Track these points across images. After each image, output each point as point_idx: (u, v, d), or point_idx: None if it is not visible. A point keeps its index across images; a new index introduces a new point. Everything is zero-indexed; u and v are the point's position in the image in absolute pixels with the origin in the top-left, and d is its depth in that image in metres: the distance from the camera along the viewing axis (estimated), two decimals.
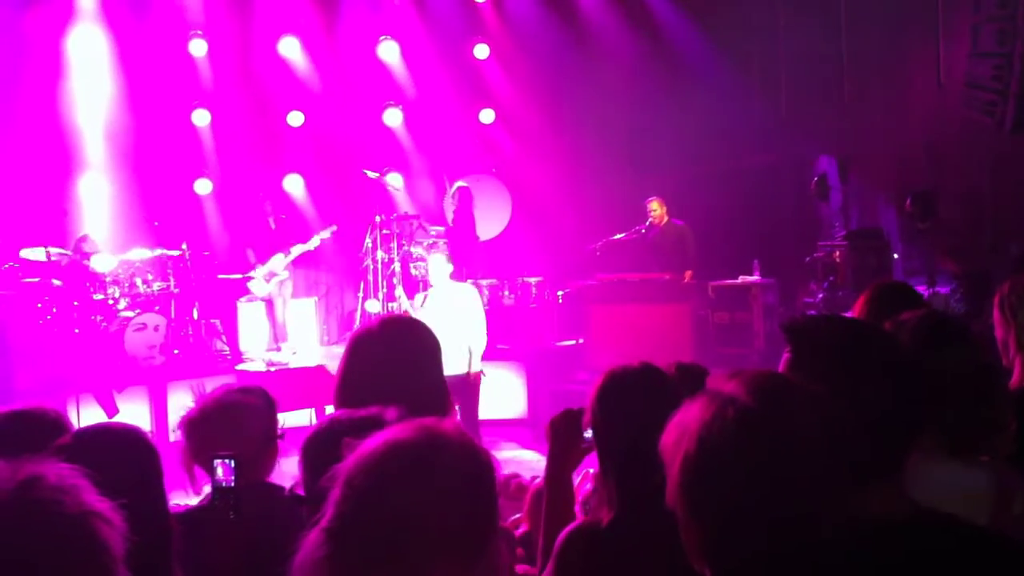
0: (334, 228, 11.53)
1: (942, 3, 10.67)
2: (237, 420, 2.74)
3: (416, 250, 11.59)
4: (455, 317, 8.02)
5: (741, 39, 12.15)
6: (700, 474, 1.39)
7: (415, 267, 11.38)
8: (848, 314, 3.44)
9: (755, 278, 10.83)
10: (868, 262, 9.89)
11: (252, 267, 11.52)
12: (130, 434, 2.14)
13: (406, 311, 9.74)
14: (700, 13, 12.55)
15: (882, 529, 1.56)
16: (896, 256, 10.35)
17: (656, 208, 11.07)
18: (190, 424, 2.76)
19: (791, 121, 12.07)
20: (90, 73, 12.09)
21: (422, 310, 9.02)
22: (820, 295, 10.16)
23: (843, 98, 11.70)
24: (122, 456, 2.00)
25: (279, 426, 2.92)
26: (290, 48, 13.28)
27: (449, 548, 1.50)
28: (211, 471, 2.25)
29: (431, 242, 11.75)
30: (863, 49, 11.42)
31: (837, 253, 10.16)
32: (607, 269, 10.97)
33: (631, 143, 12.78)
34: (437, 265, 8.85)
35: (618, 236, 11.08)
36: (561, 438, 2.68)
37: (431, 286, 9.65)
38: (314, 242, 11.43)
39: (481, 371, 8.19)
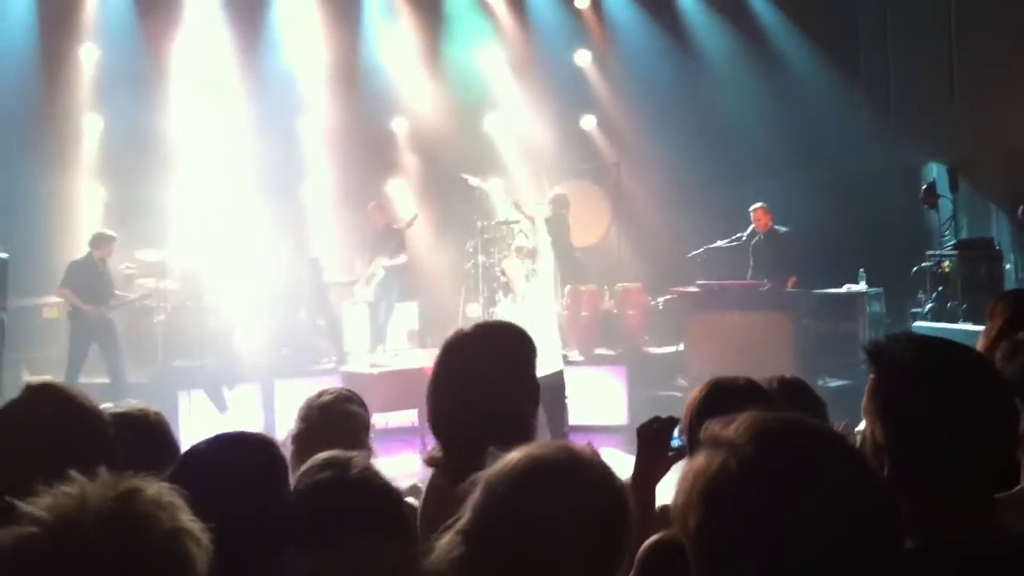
0: (415, 215, 11.88)
1: None
2: (343, 429, 2.85)
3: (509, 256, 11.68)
4: (532, 321, 8.06)
5: (848, 44, 11.95)
6: (711, 533, 1.31)
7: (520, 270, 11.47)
8: (984, 326, 3.37)
9: (861, 287, 10.63)
10: (978, 272, 9.61)
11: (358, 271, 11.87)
12: (262, 446, 2.21)
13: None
14: (805, 17, 12.37)
15: (970, 559, 1.55)
16: (1008, 266, 10.04)
17: (760, 214, 10.95)
18: (299, 438, 2.86)
19: (899, 127, 11.80)
20: (209, 80, 12.51)
21: (498, 314, 9.19)
22: (929, 306, 9.92)
23: (953, 104, 11.40)
24: (252, 466, 2.08)
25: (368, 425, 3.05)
26: (393, 55, 13.53)
27: (580, 564, 1.56)
28: None
29: (522, 247, 11.80)
30: (973, 54, 11.10)
31: (946, 263, 9.90)
32: (707, 276, 10.89)
33: (734, 149, 12.63)
34: (515, 271, 9.02)
35: (719, 243, 10.99)
36: (649, 446, 2.67)
37: (511, 291, 9.88)
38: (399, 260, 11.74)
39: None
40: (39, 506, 1.30)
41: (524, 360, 2.60)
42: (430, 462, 2.53)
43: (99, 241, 10.24)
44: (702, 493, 1.32)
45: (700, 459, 1.35)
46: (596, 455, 1.66)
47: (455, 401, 2.46)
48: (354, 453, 2.15)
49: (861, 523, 1.27)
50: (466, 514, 1.61)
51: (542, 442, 1.65)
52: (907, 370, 1.68)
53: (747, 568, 1.28)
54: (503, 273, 10.94)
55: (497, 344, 2.59)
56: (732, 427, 1.35)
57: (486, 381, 2.47)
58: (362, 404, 3.06)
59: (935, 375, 1.67)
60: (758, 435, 1.32)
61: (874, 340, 1.80)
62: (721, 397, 2.50)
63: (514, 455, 1.62)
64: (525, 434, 2.42)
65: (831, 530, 1.26)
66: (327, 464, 2.08)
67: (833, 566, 1.25)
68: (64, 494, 1.32)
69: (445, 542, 1.61)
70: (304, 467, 2.14)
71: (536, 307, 8.38)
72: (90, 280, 10.09)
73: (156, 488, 1.38)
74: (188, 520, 1.38)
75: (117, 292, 10.47)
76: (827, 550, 1.25)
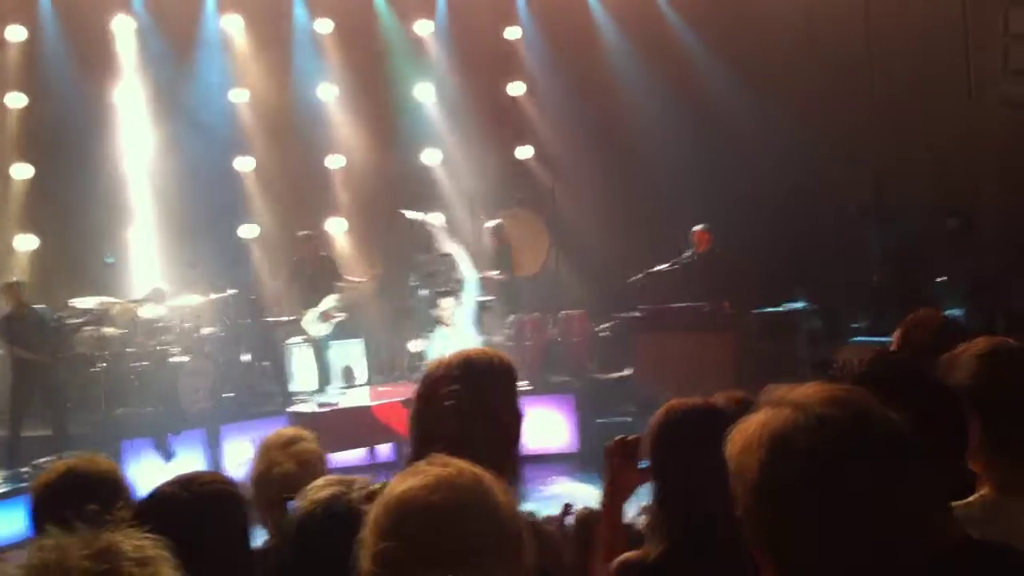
0: (378, 271, 11.78)
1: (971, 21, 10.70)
2: (302, 467, 2.83)
3: (460, 288, 11.70)
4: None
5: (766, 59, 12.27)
6: (776, 480, 1.38)
7: (457, 303, 11.47)
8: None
9: (798, 304, 10.80)
10: (910, 283, 9.82)
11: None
12: (221, 485, 2.17)
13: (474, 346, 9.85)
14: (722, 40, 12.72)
15: (936, 558, 1.59)
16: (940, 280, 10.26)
17: (701, 236, 11.08)
18: (258, 480, 2.83)
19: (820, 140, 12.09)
20: (134, 124, 12.45)
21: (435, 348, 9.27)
22: (866, 321, 10.09)
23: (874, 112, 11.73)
24: (216, 508, 2.06)
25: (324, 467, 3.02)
26: (327, 93, 13.56)
27: None
28: (284, 514, 2.31)
29: (468, 280, 11.87)
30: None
31: (875, 276, 10.09)
32: (649, 300, 10.97)
33: (666, 173, 12.80)
34: (448, 307, 9.23)
35: (660, 267, 11.09)
36: (616, 466, 2.69)
37: (444, 325, 10.04)
38: (358, 284, 11.69)
39: None
40: (16, 563, 1.25)
41: (507, 387, 2.58)
42: None
43: (7, 289, 10.02)
44: (768, 443, 1.39)
45: (765, 413, 1.43)
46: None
47: (438, 430, 2.42)
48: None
49: (911, 484, 1.37)
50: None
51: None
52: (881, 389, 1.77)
53: (805, 515, 1.36)
54: (439, 308, 10.98)
55: (478, 371, 2.54)
56: (799, 391, 1.44)
57: (472, 410, 2.44)
58: (316, 440, 3.04)
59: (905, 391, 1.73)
60: (828, 399, 1.41)
61: (840, 364, 1.89)
62: (681, 419, 2.53)
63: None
64: (513, 461, 2.42)
65: (882, 490, 1.35)
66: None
67: (883, 522, 1.34)
68: (41, 550, 1.27)
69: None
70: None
71: (464, 338, 8.49)
72: (22, 329, 9.86)
73: (135, 543, 1.33)
74: (169, 573, 1.34)
75: (57, 324, 10.25)
76: (879, 507, 1.34)
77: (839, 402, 1.41)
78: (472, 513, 1.55)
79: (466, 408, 2.43)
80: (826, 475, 1.35)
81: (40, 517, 2.43)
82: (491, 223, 12.68)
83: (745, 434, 1.43)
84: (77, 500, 2.10)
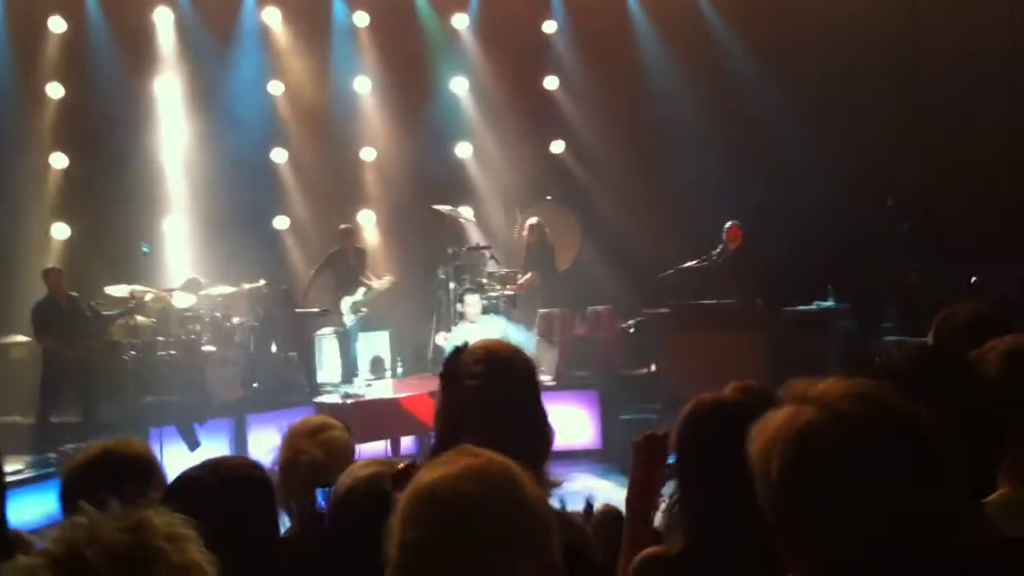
0: (395, 279, 11.92)
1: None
2: (330, 455, 2.83)
3: (488, 281, 11.71)
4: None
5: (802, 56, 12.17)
6: (799, 478, 1.38)
7: (487, 298, 11.48)
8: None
9: (830, 303, 10.72)
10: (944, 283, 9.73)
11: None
12: (251, 469, 2.18)
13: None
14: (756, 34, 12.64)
15: (965, 556, 1.57)
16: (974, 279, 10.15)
17: (734, 232, 11.03)
18: (286, 466, 2.84)
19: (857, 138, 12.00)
20: (172, 115, 12.58)
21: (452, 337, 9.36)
22: (898, 320, 10.01)
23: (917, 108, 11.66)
24: (243, 492, 2.07)
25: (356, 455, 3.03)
26: (363, 86, 13.62)
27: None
28: (311, 501, 2.32)
29: (502, 273, 11.89)
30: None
31: (912, 276, 10.01)
32: (679, 296, 10.92)
33: (700, 169, 12.74)
34: (473, 303, 9.22)
35: (690, 263, 11.04)
36: (643, 461, 2.67)
37: (468, 321, 10.08)
38: (385, 282, 11.75)
39: None
40: (50, 538, 1.28)
41: (529, 382, 2.58)
42: None
43: (46, 275, 10.14)
44: (792, 440, 1.39)
45: (787, 410, 1.43)
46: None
47: (463, 424, 2.42)
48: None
49: (933, 480, 1.36)
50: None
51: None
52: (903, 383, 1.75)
53: (828, 512, 1.36)
54: (464, 304, 11.00)
55: (502, 366, 2.54)
56: (821, 386, 1.44)
57: (493, 404, 2.44)
58: (347, 428, 3.05)
59: (929, 384, 1.74)
60: (851, 395, 1.41)
61: (864, 354, 1.88)
62: (708, 414, 2.51)
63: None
64: (544, 452, 2.42)
65: (906, 486, 1.35)
66: None
67: (904, 519, 1.34)
68: (73, 525, 1.29)
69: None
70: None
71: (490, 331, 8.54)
72: (60, 319, 9.97)
73: (166, 520, 1.35)
74: (198, 553, 1.35)
75: (93, 313, 10.36)
76: (902, 504, 1.35)
77: (862, 398, 1.41)
78: (501, 504, 1.55)
79: (490, 398, 2.42)
80: (848, 472, 1.35)
81: (72, 498, 2.43)
82: (531, 220, 12.61)
83: (768, 431, 1.43)
84: (111, 482, 2.12)
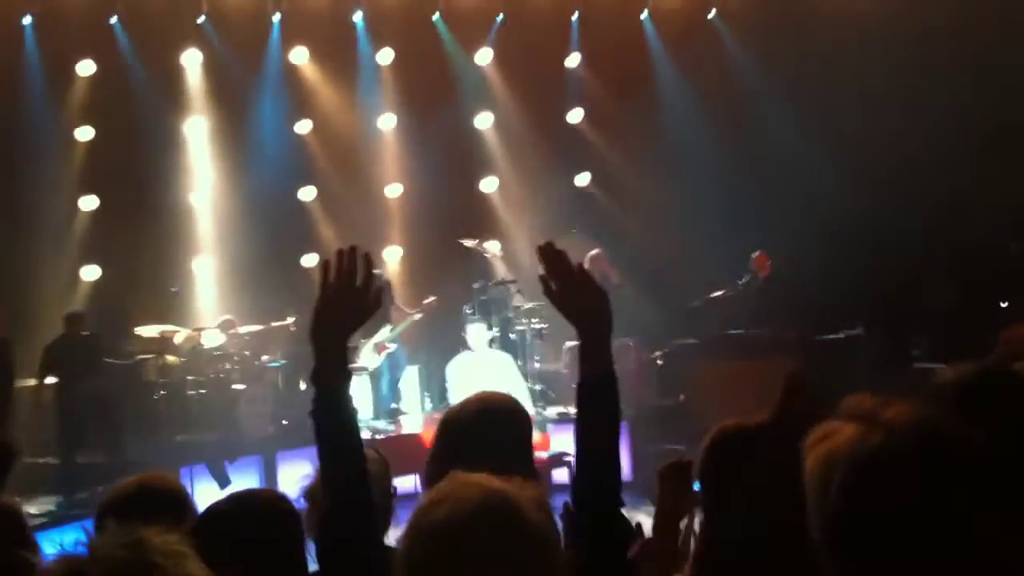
0: (432, 300, 11.78)
1: None
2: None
3: (514, 316, 11.68)
4: (494, 383, 8.10)
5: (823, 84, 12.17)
6: (860, 504, 1.38)
7: (513, 333, 11.45)
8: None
9: (858, 331, 10.63)
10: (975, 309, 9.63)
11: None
12: (276, 501, 2.19)
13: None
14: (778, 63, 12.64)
15: None
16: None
17: (761, 260, 10.97)
18: (315, 493, 2.83)
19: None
20: (201, 155, 12.71)
21: (460, 375, 9.24)
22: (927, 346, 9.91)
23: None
24: (269, 523, 2.07)
25: (392, 485, 3.01)
26: (388, 122, 13.73)
27: None
28: None
29: (529, 306, 11.82)
30: None
31: (943, 302, 9.92)
32: (707, 326, 10.86)
33: (723, 199, 12.71)
34: (477, 333, 9.21)
35: (717, 293, 10.99)
36: (669, 489, 2.67)
37: (471, 350, 10.03)
38: (410, 320, 11.73)
39: None
40: (52, 558, 1.33)
41: (522, 436, 2.64)
42: None
43: (70, 320, 10.17)
44: (857, 464, 1.38)
45: (852, 431, 1.43)
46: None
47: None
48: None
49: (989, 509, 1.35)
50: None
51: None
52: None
53: (882, 536, 1.36)
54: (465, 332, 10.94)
55: (495, 419, 2.61)
56: (889, 410, 1.44)
57: (486, 456, 2.41)
58: (383, 460, 3.02)
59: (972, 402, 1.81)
60: (920, 426, 1.40)
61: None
62: (731, 440, 2.49)
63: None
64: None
65: (963, 519, 1.34)
66: None
67: (959, 549, 1.34)
68: (75, 545, 1.34)
69: None
70: None
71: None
72: (69, 354, 9.93)
73: (163, 538, 1.38)
74: (196, 568, 1.38)
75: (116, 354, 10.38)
76: (954, 534, 1.34)
77: (933, 429, 1.40)
78: (503, 537, 1.54)
79: (476, 448, 2.46)
80: (912, 505, 1.35)
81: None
82: (592, 252, 12.56)
83: (829, 448, 1.43)
84: (146, 515, 2.13)
